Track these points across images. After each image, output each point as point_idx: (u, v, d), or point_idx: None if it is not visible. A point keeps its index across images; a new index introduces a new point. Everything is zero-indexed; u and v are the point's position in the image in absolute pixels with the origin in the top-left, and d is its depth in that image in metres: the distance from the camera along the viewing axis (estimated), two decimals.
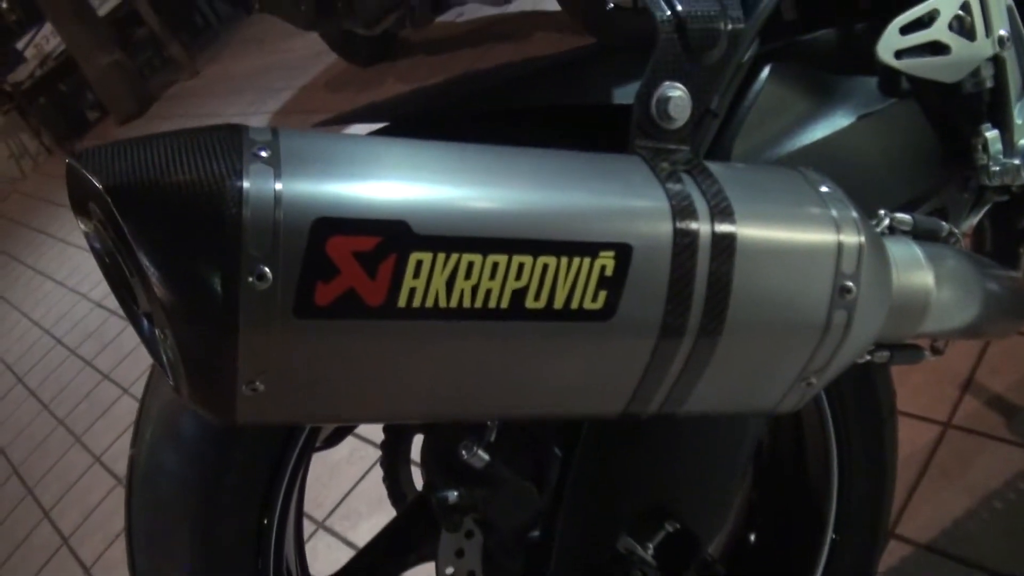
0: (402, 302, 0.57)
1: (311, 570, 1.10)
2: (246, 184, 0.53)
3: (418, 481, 1.10)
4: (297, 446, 0.90)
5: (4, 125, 9.12)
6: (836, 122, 0.91)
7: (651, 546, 0.94)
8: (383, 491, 1.15)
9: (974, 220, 1.05)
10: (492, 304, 0.59)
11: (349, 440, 1.18)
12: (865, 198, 0.76)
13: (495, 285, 0.59)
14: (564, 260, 0.60)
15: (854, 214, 0.71)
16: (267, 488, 0.88)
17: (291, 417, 0.68)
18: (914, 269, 0.82)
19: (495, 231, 0.58)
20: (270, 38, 7.80)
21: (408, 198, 0.57)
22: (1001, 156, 0.95)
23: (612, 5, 0.76)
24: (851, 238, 0.69)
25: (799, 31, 0.96)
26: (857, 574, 1.22)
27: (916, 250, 0.84)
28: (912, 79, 0.94)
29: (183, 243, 0.53)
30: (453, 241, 0.57)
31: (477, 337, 0.60)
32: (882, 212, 0.87)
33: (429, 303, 0.57)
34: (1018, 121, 0.96)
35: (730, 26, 0.71)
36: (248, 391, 0.57)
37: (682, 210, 0.64)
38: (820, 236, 0.69)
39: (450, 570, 1.01)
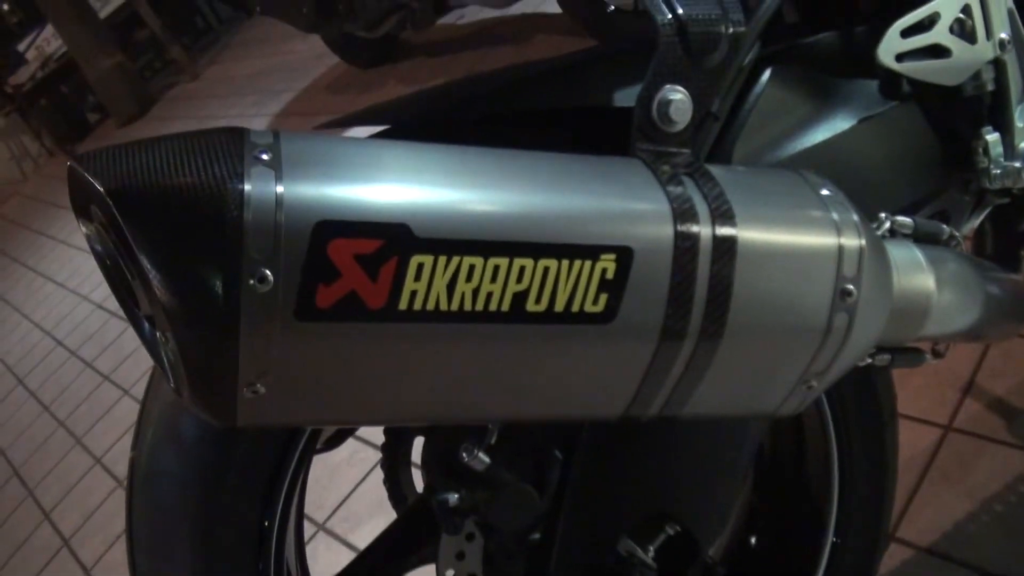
0: (403, 305, 0.57)
1: (311, 572, 1.10)
2: (247, 187, 0.53)
3: (419, 483, 1.10)
4: (298, 448, 0.89)
5: (5, 127, 9.12)
6: (837, 125, 0.91)
7: (652, 548, 0.94)
8: (383, 493, 1.15)
9: (975, 223, 1.05)
10: (493, 307, 0.59)
11: (349, 442, 1.17)
12: (866, 201, 0.76)
13: (496, 288, 0.59)
14: (565, 263, 0.60)
15: (855, 217, 0.71)
16: (268, 490, 0.88)
17: (292, 419, 0.68)
18: (915, 272, 0.82)
19: (496, 234, 0.59)
20: (271, 40, 7.80)
21: (409, 201, 0.57)
22: (1002, 159, 0.95)
23: (613, 8, 0.76)
24: (852, 241, 0.69)
25: (800, 34, 0.96)
26: None
27: (917, 253, 0.84)
28: (913, 82, 0.94)
29: (184, 246, 0.53)
30: (454, 244, 0.57)
31: (478, 340, 0.60)
32: (883, 215, 0.87)
33: (430, 306, 0.57)
34: (1019, 124, 0.96)
35: (731, 29, 0.71)
36: (249, 393, 0.57)
37: (683, 213, 0.64)
38: (821, 239, 0.69)
39: (451, 572, 1.01)
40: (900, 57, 0.90)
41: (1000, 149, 0.95)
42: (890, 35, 0.89)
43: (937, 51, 0.91)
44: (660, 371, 0.67)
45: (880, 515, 1.21)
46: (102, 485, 3.22)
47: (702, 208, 0.65)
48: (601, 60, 0.88)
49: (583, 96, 0.83)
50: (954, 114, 0.96)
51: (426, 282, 0.57)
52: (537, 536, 0.95)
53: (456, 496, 0.93)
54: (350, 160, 0.58)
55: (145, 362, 3.61)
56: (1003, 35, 0.93)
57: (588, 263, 0.61)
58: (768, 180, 0.73)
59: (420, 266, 0.56)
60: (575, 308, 0.61)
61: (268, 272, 0.53)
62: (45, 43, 8.84)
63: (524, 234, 0.59)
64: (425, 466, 1.01)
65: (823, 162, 0.87)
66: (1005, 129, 0.96)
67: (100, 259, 0.62)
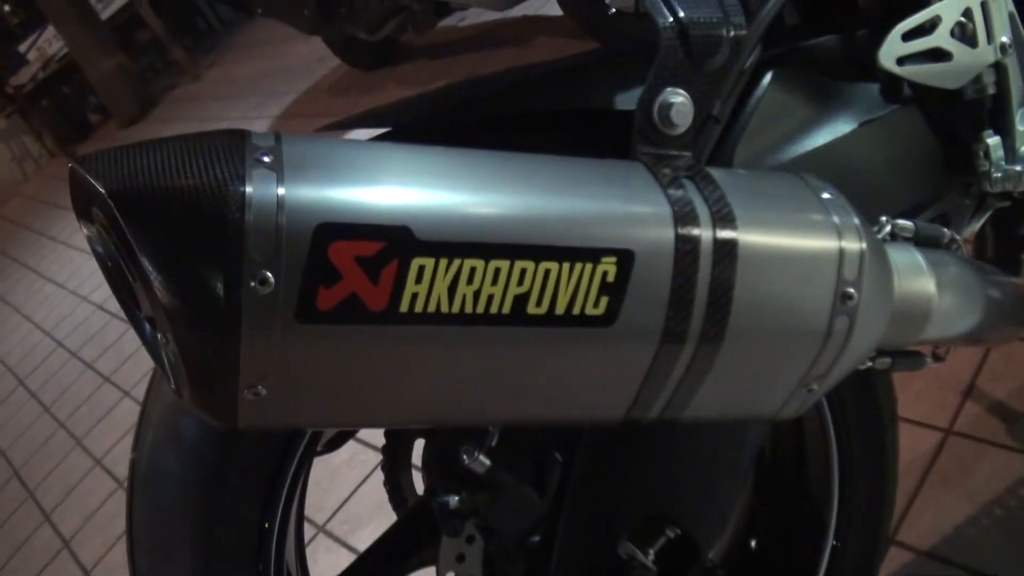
0: (404, 307, 0.57)
1: (311, 574, 1.10)
2: (249, 189, 0.53)
3: (419, 486, 1.10)
4: (298, 450, 0.89)
5: (6, 128, 9.12)
6: (838, 128, 0.91)
7: (652, 551, 0.94)
8: (384, 495, 1.15)
9: (976, 226, 1.05)
10: (494, 310, 0.59)
11: (350, 444, 1.17)
12: (867, 204, 0.76)
13: (497, 291, 0.59)
14: (566, 266, 0.60)
15: (856, 220, 0.71)
16: (268, 492, 0.88)
17: (292, 421, 0.68)
18: (916, 275, 0.82)
19: (497, 237, 0.59)
20: (273, 42, 7.81)
21: (410, 203, 0.57)
22: (1003, 162, 0.95)
23: (614, 10, 0.76)
24: (853, 244, 0.69)
25: (801, 37, 0.96)
26: None
27: (918, 256, 0.84)
28: (914, 85, 0.94)
29: (185, 247, 0.53)
30: (455, 246, 0.57)
31: (479, 342, 0.60)
32: (884, 218, 0.87)
33: (431, 308, 0.57)
34: (1020, 127, 0.96)
35: (732, 32, 0.71)
36: (250, 395, 0.57)
37: (684, 216, 0.64)
38: (822, 242, 0.69)
39: (451, 575, 1.01)
40: (901, 60, 0.90)
41: (1001, 153, 0.95)
42: (891, 39, 0.89)
43: (938, 55, 0.91)
44: (661, 374, 0.67)
45: (880, 518, 1.21)
46: (102, 486, 3.22)
47: (703, 211, 0.65)
48: (602, 63, 0.88)
49: (584, 99, 0.83)
50: (955, 118, 0.97)
51: (427, 284, 0.57)
52: (537, 538, 0.95)
53: (456, 498, 0.94)
54: (351, 162, 0.58)
55: (146, 363, 3.61)
56: (1004, 39, 0.93)
57: (589, 266, 0.61)
58: (769, 183, 0.74)
59: (421, 268, 0.56)
60: (576, 311, 0.61)
61: (269, 274, 0.53)
62: (46, 44, 8.85)
63: (525, 237, 0.59)
64: (425, 468, 1.01)
65: (824, 165, 0.87)
66: (1006, 133, 0.96)
67: (101, 260, 0.62)
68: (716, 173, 0.69)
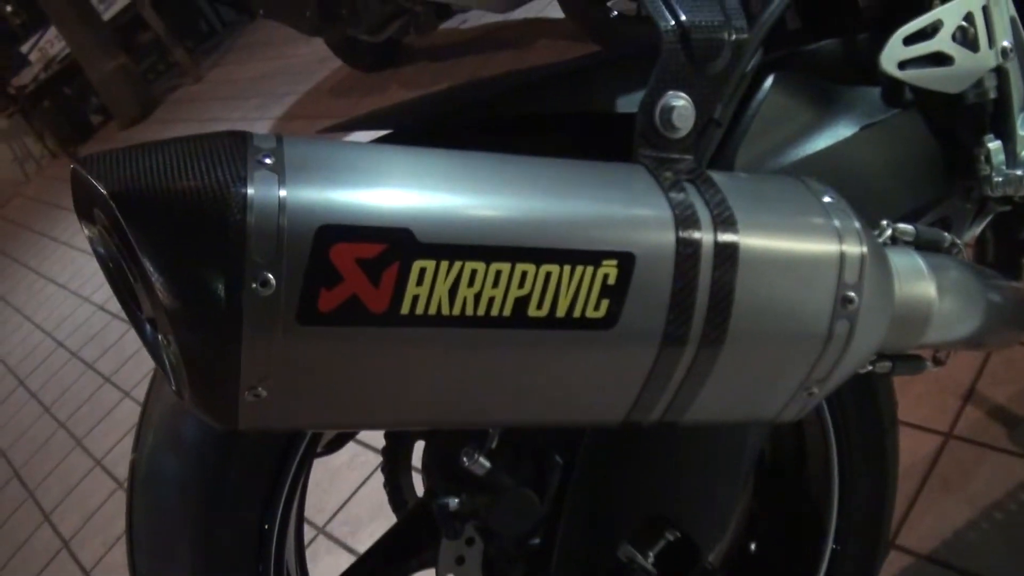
0: (405, 309, 0.57)
1: (311, 575, 1.10)
2: (250, 191, 0.54)
3: (419, 487, 1.10)
4: (298, 451, 0.90)
5: (8, 128, 9.12)
6: (839, 132, 0.91)
7: (651, 554, 0.94)
8: (384, 497, 1.15)
9: (977, 231, 1.05)
10: (495, 312, 0.59)
11: (350, 446, 1.18)
12: (868, 208, 0.76)
13: (498, 293, 0.59)
14: (567, 268, 0.60)
15: (856, 224, 0.71)
16: (268, 493, 0.88)
17: (293, 423, 0.68)
18: (916, 279, 0.83)
19: (498, 239, 0.59)
20: (274, 44, 7.81)
21: (412, 206, 0.57)
22: (1004, 167, 0.95)
23: (616, 13, 0.76)
24: (853, 248, 0.69)
25: (803, 41, 0.96)
26: None
27: (918, 260, 0.84)
28: (915, 90, 0.94)
29: (187, 249, 0.53)
30: (456, 249, 0.57)
31: (479, 345, 0.60)
32: (885, 222, 0.87)
33: (432, 311, 0.57)
34: (1021, 132, 0.96)
35: (734, 36, 0.71)
36: (250, 397, 0.57)
37: (685, 219, 0.64)
38: (823, 246, 0.69)
39: None
40: (902, 65, 0.90)
41: (1002, 157, 0.96)
42: (893, 43, 0.89)
43: (939, 59, 0.91)
44: (661, 377, 0.67)
45: (880, 522, 1.21)
46: (102, 487, 3.22)
47: (704, 214, 0.65)
48: (604, 66, 0.88)
49: (586, 102, 0.83)
50: (956, 122, 0.97)
51: (428, 287, 0.57)
52: (537, 541, 0.95)
53: (456, 500, 0.94)
54: (353, 165, 0.59)
55: (146, 364, 3.61)
56: (1005, 43, 0.93)
57: (590, 269, 0.61)
58: (770, 187, 0.74)
59: (422, 271, 0.57)
60: (576, 313, 0.61)
61: (270, 276, 0.53)
62: (48, 45, 8.85)
63: (526, 239, 0.59)
64: (426, 470, 1.01)
65: (825, 169, 0.87)
66: (1007, 137, 0.96)
67: (103, 261, 0.62)
68: (717, 176, 0.69)
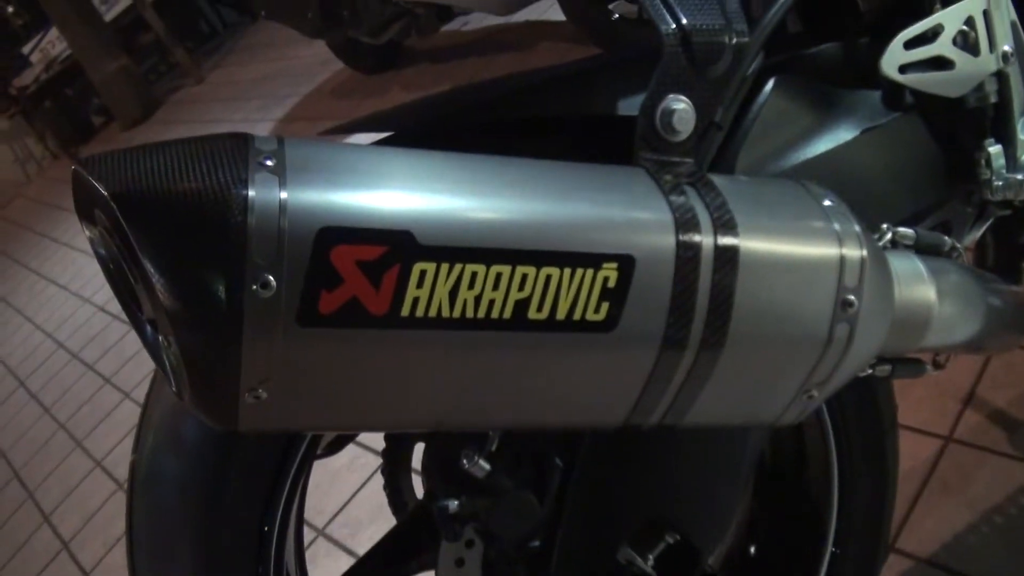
0: (405, 311, 0.57)
1: None
2: (251, 192, 0.54)
3: (419, 490, 1.10)
4: (298, 453, 0.90)
5: (9, 129, 9.13)
6: (840, 136, 0.92)
7: (651, 557, 0.94)
8: (384, 499, 1.15)
9: (977, 234, 1.05)
10: (495, 314, 0.59)
11: (350, 448, 1.18)
12: (868, 212, 0.76)
13: (498, 296, 0.59)
14: (567, 271, 0.60)
15: (857, 228, 0.71)
16: (268, 494, 0.88)
17: (293, 424, 0.68)
18: (916, 283, 0.83)
19: (499, 242, 0.59)
20: (276, 45, 7.81)
21: (412, 208, 0.57)
22: (1004, 171, 0.95)
23: (617, 16, 0.76)
24: (853, 252, 0.70)
25: (804, 45, 0.96)
26: None
27: (918, 264, 0.84)
28: (916, 93, 0.94)
29: (188, 250, 0.53)
30: (457, 251, 0.57)
31: (480, 347, 0.60)
32: (885, 226, 0.87)
33: (432, 313, 0.57)
34: (1021, 136, 0.96)
35: (735, 39, 0.71)
36: (251, 398, 0.57)
37: (685, 222, 0.64)
38: (823, 249, 0.69)
39: None
40: (903, 69, 0.90)
41: (1002, 161, 0.96)
42: (893, 47, 0.90)
43: (940, 63, 0.92)
44: (661, 380, 0.67)
45: (880, 525, 1.21)
46: (102, 488, 3.22)
47: (704, 218, 0.65)
48: (605, 68, 0.88)
49: (587, 104, 0.83)
50: (957, 126, 0.97)
51: (428, 289, 0.57)
52: (537, 543, 0.95)
53: (456, 502, 0.93)
54: (354, 167, 0.59)
55: (147, 365, 3.61)
56: (1006, 47, 0.93)
57: (590, 271, 0.61)
58: (770, 190, 0.74)
59: (423, 273, 0.57)
60: (577, 316, 0.61)
61: (271, 277, 0.53)
62: (50, 46, 8.85)
63: (527, 242, 0.59)
64: (425, 472, 1.01)
65: (826, 173, 0.87)
66: (1007, 141, 0.96)
67: (103, 262, 0.62)
68: (718, 180, 0.69)
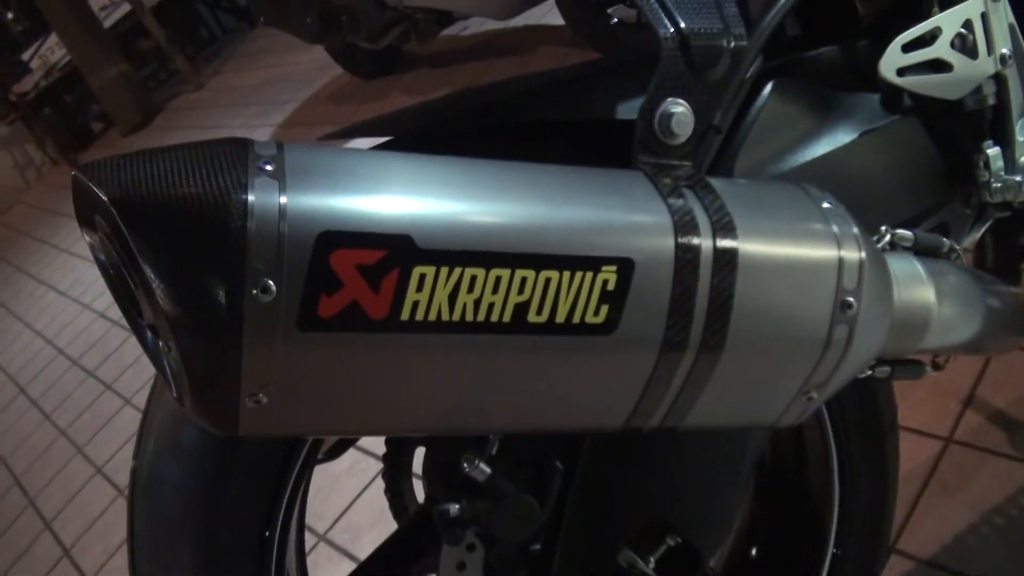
0: (405, 315, 0.57)
1: None
2: (251, 197, 0.54)
3: (420, 494, 1.10)
4: (299, 458, 0.90)
5: (9, 135, 9.12)
6: (838, 138, 0.92)
7: (652, 559, 0.94)
8: (384, 504, 1.15)
9: (976, 236, 1.05)
10: (494, 318, 0.59)
11: (350, 452, 1.18)
12: (867, 214, 0.76)
13: (498, 299, 0.59)
14: (566, 274, 0.60)
15: (855, 230, 0.71)
16: (269, 500, 0.88)
17: (293, 429, 0.68)
18: (915, 285, 0.83)
19: (498, 245, 0.59)
20: (275, 51, 7.81)
21: (412, 212, 0.58)
22: (1003, 173, 0.96)
23: (616, 20, 0.77)
24: (852, 254, 0.70)
25: (802, 48, 0.96)
26: None
27: (917, 266, 0.84)
28: (914, 96, 0.94)
29: (188, 255, 0.53)
30: (456, 255, 0.58)
31: (479, 351, 0.61)
32: (884, 228, 0.87)
33: (432, 316, 0.58)
34: (1020, 138, 0.96)
35: (733, 43, 0.72)
36: (251, 403, 0.57)
37: (684, 225, 0.64)
38: (821, 252, 0.69)
39: None
40: (902, 71, 0.91)
41: (1001, 163, 0.96)
42: (892, 49, 0.90)
43: (938, 65, 0.92)
44: (661, 382, 0.67)
45: (881, 526, 1.21)
46: (103, 494, 3.22)
47: (703, 220, 0.65)
48: (604, 73, 0.88)
49: (586, 108, 0.83)
50: (955, 128, 0.97)
51: (428, 293, 0.57)
52: (538, 547, 0.95)
53: (457, 506, 0.93)
54: (353, 171, 0.59)
55: (147, 371, 3.61)
56: (1004, 50, 0.93)
57: (589, 274, 0.61)
58: (769, 193, 0.74)
59: (422, 277, 0.57)
60: (576, 319, 0.61)
61: (271, 282, 0.53)
62: (49, 52, 8.85)
63: (526, 245, 0.60)
64: (426, 476, 1.01)
65: (824, 175, 0.87)
66: (1006, 143, 0.96)
67: (103, 268, 0.62)
68: (716, 183, 0.69)
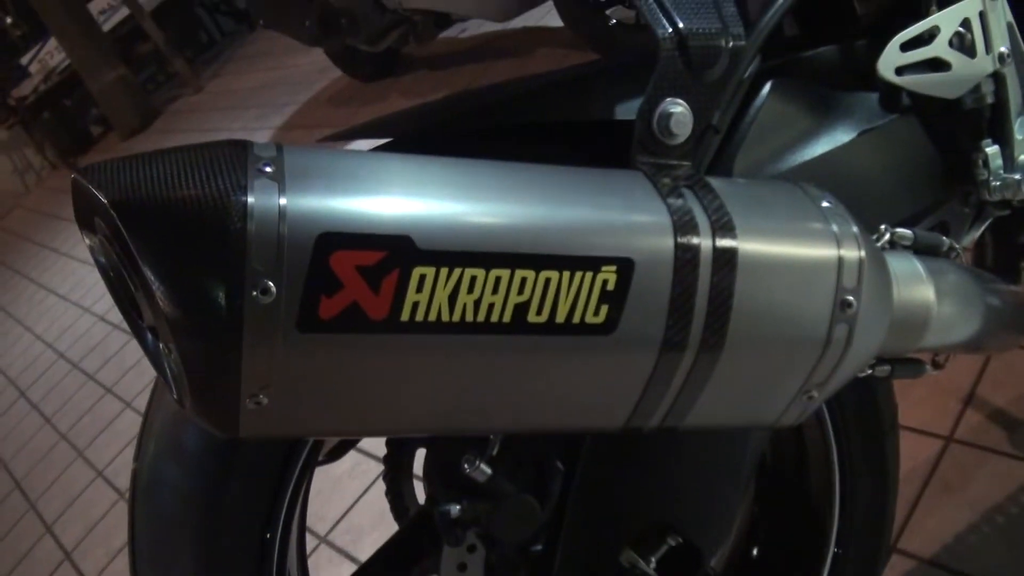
0: (405, 316, 0.57)
1: None
2: (251, 199, 0.54)
3: (420, 495, 1.10)
4: (299, 460, 0.90)
5: (8, 139, 9.13)
6: (837, 138, 0.92)
7: (653, 560, 0.94)
8: (385, 505, 1.15)
9: (975, 235, 1.05)
10: (494, 318, 0.59)
11: (351, 454, 1.18)
12: (866, 213, 0.76)
13: (497, 299, 0.59)
14: (566, 275, 0.60)
15: (855, 229, 0.71)
16: (269, 502, 0.88)
17: (294, 431, 0.68)
18: (915, 284, 0.83)
19: (498, 246, 0.59)
20: (274, 54, 7.82)
21: (411, 213, 0.58)
22: (1001, 171, 0.96)
23: (615, 21, 0.77)
24: (852, 253, 0.70)
25: (800, 47, 0.97)
26: None
27: (917, 265, 0.84)
28: (913, 95, 0.94)
29: (188, 257, 0.53)
30: (456, 256, 0.58)
31: (479, 351, 0.61)
32: (883, 227, 0.87)
33: (432, 317, 0.58)
34: (1018, 136, 0.97)
35: (731, 43, 0.72)
36: (251, 405, 0.57)
37: (683, 225, 0.64)
38: (821, 251, 0.69)
39: None
40: (900, 70, 0.91)
41: (1000, 161, 0.96)
42: (890, 49, 0.90)
43: (937, 64, 0.92)
44: (661, 382, 0.67)
45: (881, 526, 1.21)
46: (104, 497, 3.22)
47: (702, 220, 0.65)
48: (603, 73, 0.88)
49: (585, 109, 0.83)
50: (954, 127, 0.97)
51: (428, 293, 0.57)
52: (539, 547, 0.95)
53: (458, 507, 0.93)
54: (353, 173, 0.59)
55: (147, 374, 3.61)
56: (1002, 49, 0.93)
57: (589, 275, 0.61)
58: (768, 192, 0.74)
59: (422, 277, 0.57)
60: (576, 319, 0.61)
61: (271, 284, 0.53)
62: (48, 56, 8.86)
63: (526, 246, 0.60)
64: (427, 478, 1.01)
65: (823, 174, 0.87)
66: (1005, 142, 0.96)
67: (103, 271, 0.62)
68: (715, 182, 0.69)
